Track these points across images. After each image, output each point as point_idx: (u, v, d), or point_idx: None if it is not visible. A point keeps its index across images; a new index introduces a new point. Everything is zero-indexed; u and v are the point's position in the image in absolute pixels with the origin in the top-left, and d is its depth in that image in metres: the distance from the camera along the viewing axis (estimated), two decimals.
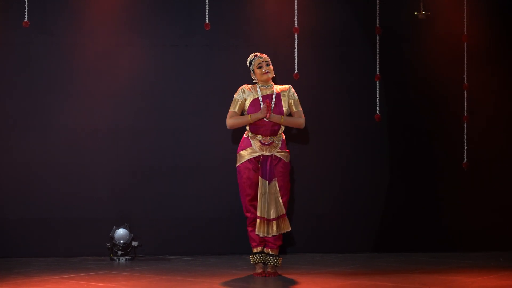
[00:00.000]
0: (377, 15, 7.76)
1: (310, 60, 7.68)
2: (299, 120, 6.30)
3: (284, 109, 6.25)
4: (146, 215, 7.53)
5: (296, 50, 7.64)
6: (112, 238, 7.25)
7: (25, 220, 7.36)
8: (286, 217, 6.18)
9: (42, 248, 7.35)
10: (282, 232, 6.17)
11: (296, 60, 7.64)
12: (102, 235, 7.34)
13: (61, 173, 7.42)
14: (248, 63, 6.36)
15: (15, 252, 7.30)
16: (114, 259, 7.22)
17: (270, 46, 7.64)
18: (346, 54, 7.81)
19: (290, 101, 6.29)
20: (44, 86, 7.43)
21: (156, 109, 7.58)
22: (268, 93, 6.25)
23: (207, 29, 7.49)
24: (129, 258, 7.23)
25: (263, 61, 6.24)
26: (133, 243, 7.27)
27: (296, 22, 7.64)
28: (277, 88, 6.31)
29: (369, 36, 7.80)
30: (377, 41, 7.78)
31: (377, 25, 7.77)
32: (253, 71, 6.30)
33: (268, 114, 6.09)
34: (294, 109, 6.31)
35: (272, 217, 6.13)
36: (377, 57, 7.79)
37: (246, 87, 6.30)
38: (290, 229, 6.19)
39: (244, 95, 6.26)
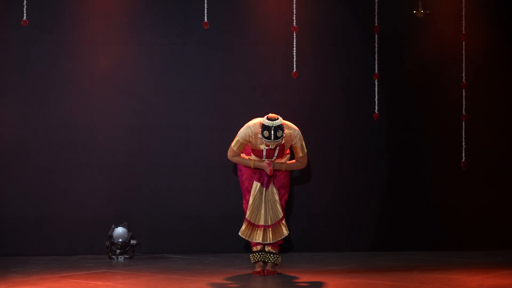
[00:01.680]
0: (376, 13, 7.75)
1: (309, 58, 7.67)
2: (301, 166, 6.34)
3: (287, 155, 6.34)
4: (144, 214, 7.53)
5: (294, 48, 7.63)
6: (111, 236, 7.25)
7: (24, 219, 7.34)
8: (281, 223, 6.20)
9: (40, 246, 7.34)
10: (266, 243, 6.21)
11: (294, 58, 7.63)
12: (101, 233, 7.33)
13: (60, 171, 7.41)
14: (261, 127, 6.05)
15: (14, 251, 7.29)
16: (112, 258, 7.21)
17: (269, 45, 7.64)
18: (345, 52, 7.80)
19: (295, 145, 6.22)
20: (43, 84, 7.41)
21: (155, 108, 7.57)
22: (272, 147, 6.11)
23: (206, 28, 7.48)
24: (127, 256, 7.23)
25: (272, 144, 6.05)
26: (132, 241, 7.26)
27: (294, 20, 7.63)
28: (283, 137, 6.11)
29: (368, 35, 7.79)
30: (376, 39, 7.77)
31: (376, 24, 7.76)
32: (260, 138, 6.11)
33: (269, 173, 6.16)
34: (300, 154, 6.27)
35: (260, 224, 6.19)
36: (376, 56, 7.78)
37: (253, 129, 6.12)
38: (284, 235, 6.22)
39: (250, 138, 6.15)
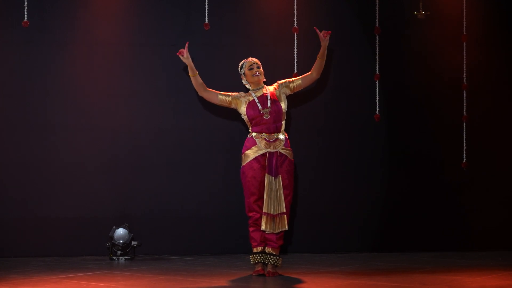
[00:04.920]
0: (377, 14, 7.77)
1: (309, 59, 7.63)
2: (311, 75, 6.30)
3: (283, 105, 6.28)
4: (145, 215, 7.53)
5: (295, 49, 7.64)
6: (112, 237, 7.25)
7: (24, 220, 7.35)
8: (284, 217, 6.17)
9: (41, 247, 7.34)
10: (280, 230, 6.17)
11: (295, 59, 7.64)
12: (102, 234, 7.34)
13: (61, 172, 7.42)
14: (239, 67, 6.37)
15: (14, 252, 7.30)
16: (113, 259, 7.21)
17: (269, 46, 7.64)
18: (346, 54, 7.81)
19: (289, 85, 6.31)
20: (43, 85, 7.42)
21: (156, 108, 7.58)
22: (262, 93, 6.27)
23: (207, 28, 7.49)
24: (128, 258, 7.23)
25: (253, 63, 6.30)
26: (133, 242, 7.26)
27: (295, 21, 7.64)
28: (269, 88, 6.33)
29: (369, 36, 7.80)
30: (377, 40, 7.79)
31: (377, 25, 7.77)
32: (244, 74, 6.33)
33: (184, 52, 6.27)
34: (298, 76, 6.34)
35: (263, 211, 6.15)
36: (377, 57, 7.79)
37: (241, 93, 6.36)
38: (286, 228, 6.18)
39: (238, 95, 6.30)
